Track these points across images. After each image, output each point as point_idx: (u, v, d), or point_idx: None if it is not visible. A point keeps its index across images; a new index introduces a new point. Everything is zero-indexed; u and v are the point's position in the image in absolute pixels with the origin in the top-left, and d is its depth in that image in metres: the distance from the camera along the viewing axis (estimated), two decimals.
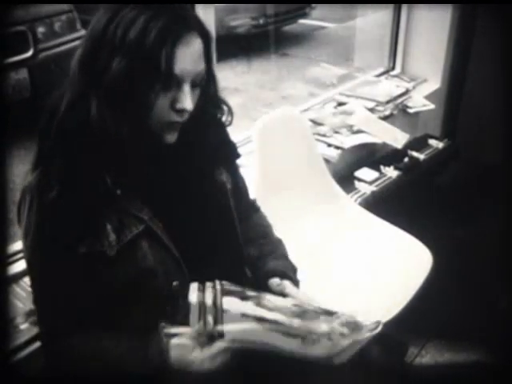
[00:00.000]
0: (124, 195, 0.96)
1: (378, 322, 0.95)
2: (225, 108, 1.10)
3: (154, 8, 0.90)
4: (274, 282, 1.12)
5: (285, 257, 1.21)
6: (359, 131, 2.20)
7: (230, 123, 1.12)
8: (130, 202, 0.97)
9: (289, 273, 1.15)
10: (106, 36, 0.90)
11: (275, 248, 1.22)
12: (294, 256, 1.22)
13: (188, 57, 0.92)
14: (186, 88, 0.93)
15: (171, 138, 0.98)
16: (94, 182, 0.94)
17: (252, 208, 1.30)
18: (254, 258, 1.18)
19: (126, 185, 0.96)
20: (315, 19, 5.87)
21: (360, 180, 2.16)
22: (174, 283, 0.99)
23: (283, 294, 1.08)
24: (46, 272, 0.97)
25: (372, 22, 3.72)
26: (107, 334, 0.99)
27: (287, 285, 1.11)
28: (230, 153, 1.16)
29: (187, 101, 0.94)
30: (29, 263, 1.00)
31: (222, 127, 1.12)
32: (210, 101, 1.05)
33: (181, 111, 0.95)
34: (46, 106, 0.97)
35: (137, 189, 0.97)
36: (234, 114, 1.11)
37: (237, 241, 1.14)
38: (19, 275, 1.40)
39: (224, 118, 1.10)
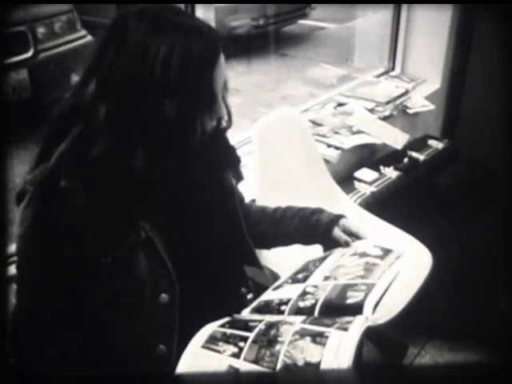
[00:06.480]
0: (129, 204, 0.93)
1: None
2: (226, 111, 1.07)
3: (182, 36, 0.87)
4: (342, 227, 1.14)
5: (314, 209, 1.22)
6: (359, 132, 2.20)
7: (230, 126, 1.10)
8: (134, 209, 0.94)
9: (341, 216, 1.17)
10: (143, 82, 0.86)
11: (296, 208, 1.23)
12: (292, 257, 1.21)
13: (220, 74, 0.93)
14: (220, 97, 0.95)
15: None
16: (114, 204, 0.92)
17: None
18: (289, 229, 1.19)
19: (135, 198, 0.94)
20: (315, 20, 5.87)
21: (360, 180, 2.16)
22: (163, 295, 0.96)
23: (355, 235, 1.12)
24: (35, 266, 0.95)
25: (372, 22, 3.73)
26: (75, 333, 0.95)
27: (352, 223, 1.15)
28: (234, 156, 1.15)
29: (223, 109, 0.96)
30: (20, 251, 0.97)
31: (224, 131, 1.11)
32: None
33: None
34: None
35: (143, 198, 0.94)
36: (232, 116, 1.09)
37: (246, 242, 1.13)
38: None
39: (224, 123, 1.07)
